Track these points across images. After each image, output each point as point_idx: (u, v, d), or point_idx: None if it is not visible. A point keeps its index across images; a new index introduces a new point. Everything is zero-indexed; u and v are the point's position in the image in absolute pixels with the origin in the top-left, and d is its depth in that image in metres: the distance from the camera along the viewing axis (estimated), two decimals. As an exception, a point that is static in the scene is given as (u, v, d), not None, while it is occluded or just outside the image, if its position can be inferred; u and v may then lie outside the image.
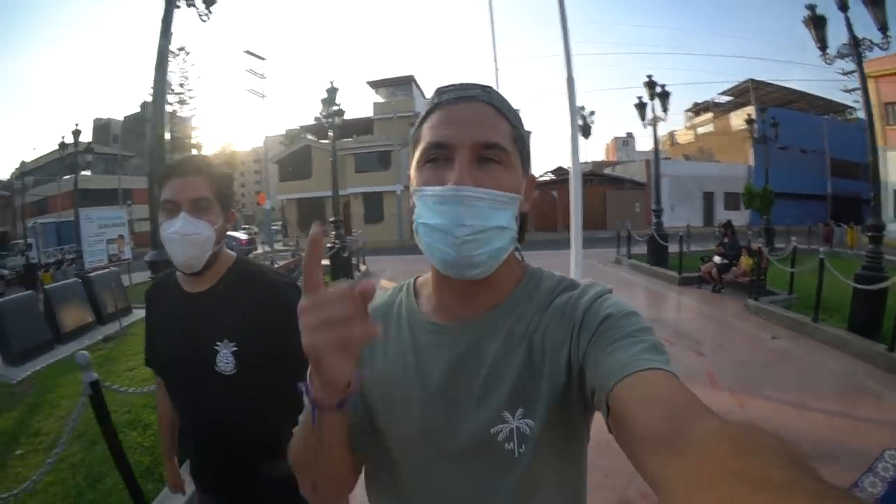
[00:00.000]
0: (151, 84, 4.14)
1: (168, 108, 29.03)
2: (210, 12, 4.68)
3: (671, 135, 44.00)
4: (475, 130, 0.65)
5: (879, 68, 21.10)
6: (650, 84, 10.81)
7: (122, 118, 37.86)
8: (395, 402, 0.72)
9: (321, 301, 0.52)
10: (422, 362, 0.72)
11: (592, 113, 18.01)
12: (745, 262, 8.15)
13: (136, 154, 29.45)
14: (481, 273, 0.67)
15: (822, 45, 6.90)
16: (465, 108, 0.66)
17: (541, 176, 35.78)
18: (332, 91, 10.33)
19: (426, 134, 0.68)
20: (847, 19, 6.37)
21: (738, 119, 30.33)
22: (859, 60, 6.59)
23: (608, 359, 0.58)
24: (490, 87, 0.69)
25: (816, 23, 6.93)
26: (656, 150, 11.91)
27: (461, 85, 0.69)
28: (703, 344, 6.12)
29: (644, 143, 43.04)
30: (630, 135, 41.92)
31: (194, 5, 4.50)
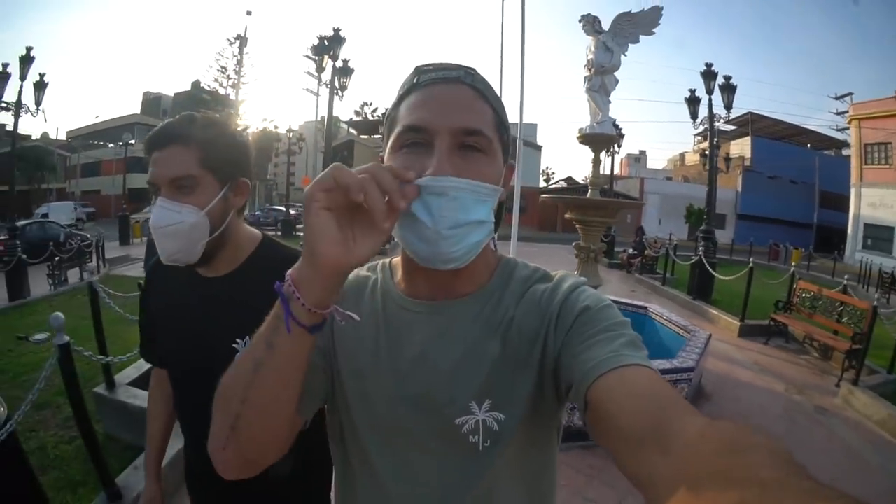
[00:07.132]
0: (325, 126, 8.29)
1: (221, 91, 32.95)
2: (342, 95, 8.98)
3: (682, 155, 47.21)
4: (457, 115, 0.60)
5: (864, 112, 23.38)
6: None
7: (171, 94, 39.19)
8: (364, 378, 0.69)
9: (385, 167, 0.53)
10: (393, 339, 0.69)
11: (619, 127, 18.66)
12: (646, 254, 12.42)
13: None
14: (457, 265, 0.62)
15: (694, 116, 10.92)
16: (446, 89, 0.61)
17: (553, 183, 39.76)
18: (385, 115, 14.58)
19: (403, 116, 0.62)
20: (710, 100, 10.44)
21: (735, 147, 33.83)
22: (711, 125, 10.71)
23: (587, 353, 0.56)
24: (473, 69, 0.65)
25: (692, 101, 10.92)
26: (612, 174, 16.13)
27: (442, 65, 0.64)
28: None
29: (655, 162, 46.60)
30: (643, 152, 46.05)
31: (338, 93, 8.76)
